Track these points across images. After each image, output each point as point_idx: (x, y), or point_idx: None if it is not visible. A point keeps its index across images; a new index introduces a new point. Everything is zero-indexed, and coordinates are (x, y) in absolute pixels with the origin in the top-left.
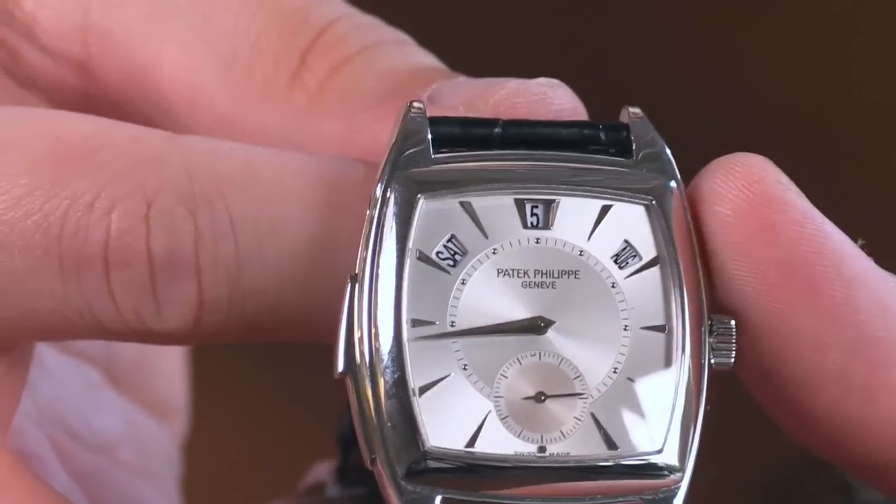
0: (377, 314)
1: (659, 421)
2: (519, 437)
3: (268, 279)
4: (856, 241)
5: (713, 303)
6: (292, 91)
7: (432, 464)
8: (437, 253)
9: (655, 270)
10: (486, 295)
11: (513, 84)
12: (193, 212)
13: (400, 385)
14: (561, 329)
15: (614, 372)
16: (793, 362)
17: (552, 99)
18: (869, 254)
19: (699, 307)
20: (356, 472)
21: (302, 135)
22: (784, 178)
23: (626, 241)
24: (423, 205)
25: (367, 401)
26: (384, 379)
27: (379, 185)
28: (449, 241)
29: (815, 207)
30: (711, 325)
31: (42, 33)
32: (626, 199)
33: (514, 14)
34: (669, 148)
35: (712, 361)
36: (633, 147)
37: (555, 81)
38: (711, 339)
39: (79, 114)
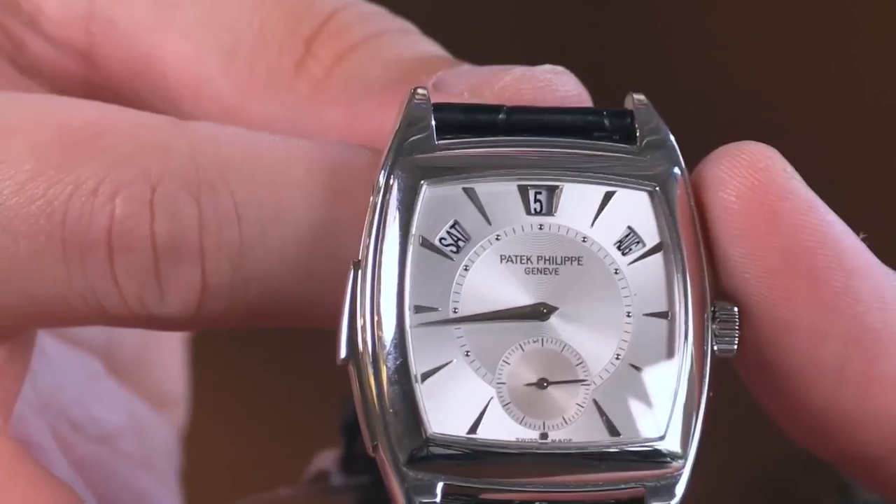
0: (380, 300)
1: (661, 407)
2: (521, 423)
3: (271, 265)
4: (857, 234)
5: (716, 290)
6: (297, 79)
7: (434, 450)
8: (441, 239)
9: (659, 257)
10: (489, 281)
11: (518, 71)
12: (197, 197)
13: (402, 371)
14: (564, 315)
15: (617, 358)
16: (790, 351)
17: (557, 86)
18: (870, 247)
19: (702, 294)
20: (360, 461)
21: (306, 123)
22: (789, 167)
23: (629, 228)
24: (426, 191)
25: (370, 387)
26: (386, 365)
27: (382, 171)
28: (452, 227)
29: (818, 197)
30: (714, 312)
31: (46, 22)
32: (629, 185)
33: (517, 11)
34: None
35: (715, 348)
36: (637, 133)
37: (559, 68)
38: (714, 326)
39: (83, 100)
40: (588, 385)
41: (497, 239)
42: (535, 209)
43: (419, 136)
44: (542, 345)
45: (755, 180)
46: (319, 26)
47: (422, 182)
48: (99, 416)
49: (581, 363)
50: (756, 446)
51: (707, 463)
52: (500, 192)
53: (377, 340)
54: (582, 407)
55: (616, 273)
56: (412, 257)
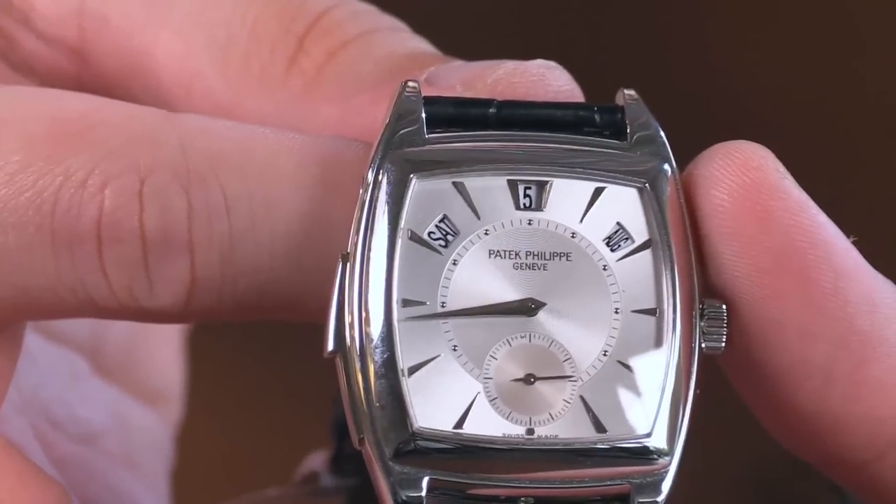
0: (368, 294)
1: (648, 405)
2: (508, 418)
3: (261, 257)
4: (848, 237)
5: (705, 287)
6: (289, 76)
7: (420, 444)
8: (429, 233)
9: (647, 253)
10: (478, 276)
11: (510, 65)
12: (187, 189)
13: (389, 365)
14: (552, 311)
15: (604, 355)
16: (778, 350)
17: (550, 80)
18: (861, 250)
19: (691, 291)
20: (350, 462)
21: (299, 119)
22: (781, 167)
23: (618, 224)
24: (415, 185)
25: (357, 381)
26: (373, 359)
27: (372, 164)
28: (441, 221)
29: (810, 198)
30: (703, 309)
31: (38, 19)
32: (619, 181)
33: (515, 11)
34: (668, 140)
35: (703, 345)
36: (628, 129)
37: (552, 63)
38: (702, 324)
39: (74, 92)
40: (575, 381)
41: (486, 233)
42: (524, 204)
43: (409, 129)
44: (530, 340)
45: (747, 179)
46: (312, 24)
47: (411, 175)
48: (82, 415)
49: (568, 359)
50: (750, 446)
51: (702, 463)
52: (490, 187)
53: (364, 334)
54: (569, 403)
55: (604, 269)
56: (401, 251)
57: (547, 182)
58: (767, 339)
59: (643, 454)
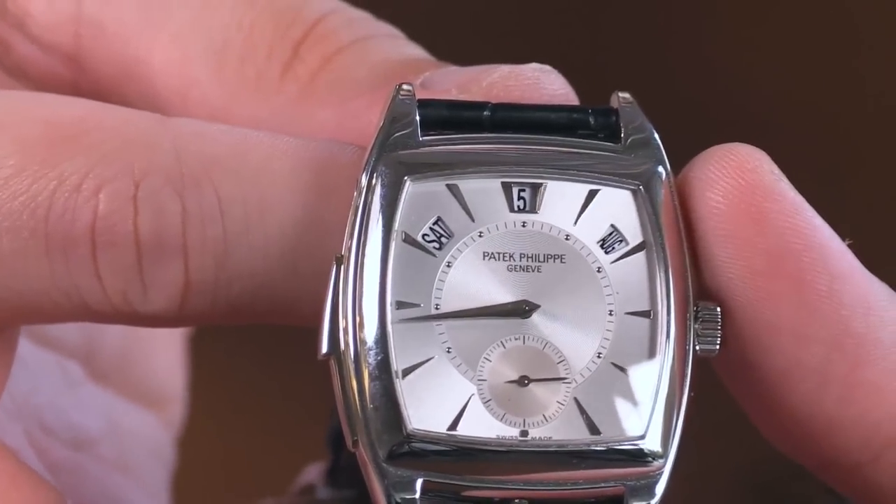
0: (362, 296)
1: (642, 407)
2: (501, 420)
3: (255, 261)
4: (843, 240)
5: (699, 289)
6: (285, 82)
7: (414, 446)
8: (423, 235)
9: (641, 256)
10: (472, 278)
11: (505, 69)
12: (181, 193)
13: (383, 367)
14: (546, 313)
15: (598, 357)
16: (773, 353)
17: (545, 84)
18: (857, 252)
19: (685, 293)
20: (346, 474)
21: (294, 124)
22: (776, 170)
23: (612, 226)
24: (409, 187)
25: (351, 383)
26: (367, 361)
27: (366, 167)
28: (435, 223)
29: (805, 201)
30: (697, 312)
31: (34, 25)
32: (613, 183)
33: (515, 11)
34: (667, 146)
35: (697, 348)
36: (622, 132)
37: (547, 67)
38: (697, 326)
39: (69, 97)
40: (569, 383)
41: (480, 236)
42: (518, 206)
43: (403, 132)
44: (524, 342)
45: (742, 182)
46: (307, 30)
47: (405, 178)
48: (75, 421)
49: (562, 361)
50: (747, 448)
51: (698, 465)
52: (484, 189)
53: (358, 336)
54: (563, 405)
55: (599, 271)
56: (395, 253)
57: (541, 184)
58: (762, 342)
59: (637, 456)
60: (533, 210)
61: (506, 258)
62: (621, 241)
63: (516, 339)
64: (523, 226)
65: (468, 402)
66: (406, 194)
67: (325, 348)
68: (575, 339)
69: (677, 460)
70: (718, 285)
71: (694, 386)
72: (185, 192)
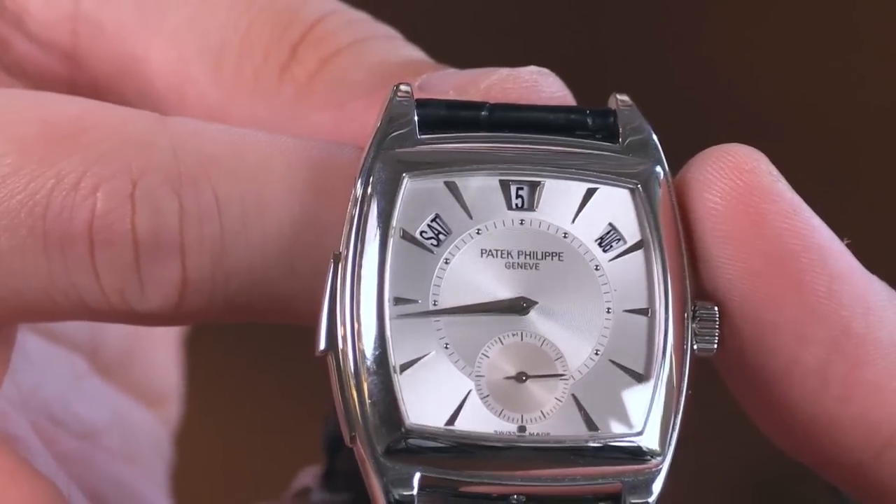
0: (360, 291)
1: (640, 404)
2: (499, 416)
3: (252, 259)
4: (842, 240)
5: (697, 289)
6: (282, 83)
7: (412, 441)
8: (422, 232)
9: (639, 254)
10: (470, 275)
11: (504, 72)
12: (179, 192)
13: (381, 362)
14: (543, 310)
15: (596, 354)
16: (773, 353)
17: (543, 87)
18: (857, 251)
19: (683, 292)
20: (342, 478)
21: (292, 125)
22: (774, 171)
23: (610, 225)
24: (407, 184)
25: (348, 378)
26: (365, 356)
27: (363, 165)
28: (433, 220)
29: (803, 202)
30: (695, 311)
31: (31, 22)
32: (611, 182)
33: (511, 15)
34: (667, 146)
35: (695, 347)
36: (620, 132)
37: (545, 70)
38: (694, 325)
39: (67, 95)
40: (567, 380)
41: (478, 233)
42: (516, 204)
43: (401, 131)
44: (522, 339)
45: (740, 182)
46: (305, 32)
47: (403, 175)
48: (81, 413)
49: (560, 358)
50: (749, 447)
51: (700, 463)
52: (482, 187)
53: (356, 331)
54: (560, 401)
55: (596, 269)
56: (393, 250)
57: (539, 182)
58: (761, 342)
59: (635, 453)
60: (531, 208)
61: (504, 255)
62: (619, 239)
63: (514, 335)
64: (521, 223)
65: (466, 397)
66: (404, 191)
67: (322, 344)
68: (573, 336)
69: (676, 458)
70: (717, 286)
71: (692, 384)
72: (183, 191)
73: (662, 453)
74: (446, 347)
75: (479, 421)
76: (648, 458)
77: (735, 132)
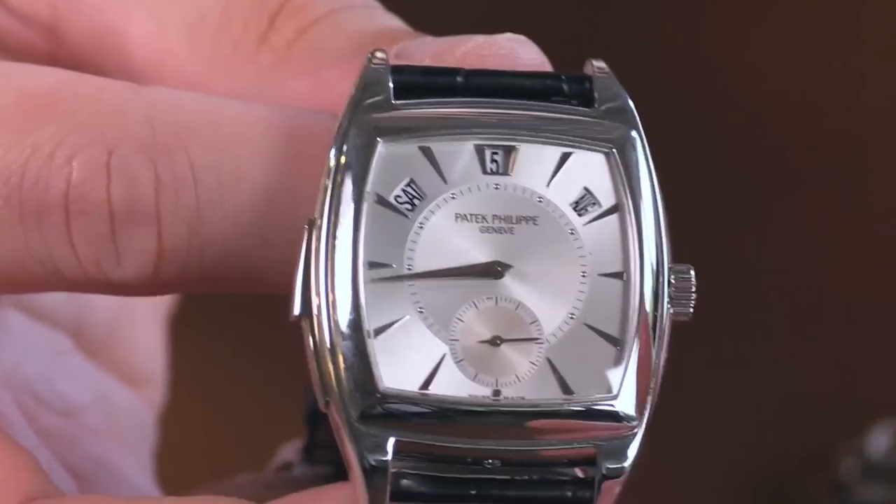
0: (334, 256)
1: (615, 367)
2: (474, 380)
3: (227, 228)
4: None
5: (673, 252)
6: (260, 52)
7: (387, 406)
8: (396, 197)
9: (615, 218)
10: (444, 239)
11: (479, 39)
12: (154, 161)
13: (355, 327)
14: (518, 274)
15: (571, 318)
16: None
17: (520, 54)
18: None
19: (658, 256)
20: (323, 450)
21: (269, 94)
22: None
23: (585, 189)
24: (381, 149)
25: (323, 343)
26: (339, 321)
27: (338, 131)
28: (407, 185)
29: None
30: (671, 274)
31: None
32: (586, 146)
33: (512, 15)
34: (667, 146)
35: (671, 311)
36: (596, 98)
37: (522, 37)
38: (670, 289)
39: (43, 66)
40: (542, 343)
41: (453, 197)
42: (491, 169)
43: (376, 97)
44: (497, 303)
45: None
46: (283, 2)
47: (377, 140)
48: (65, 391)
49: (535, 322)
50: (751, 446)
51: (701, 463)
52: (457, 152)
53: (330, 296)
54: (535, 365)
55: (571, 233)
56: (367, 214)
57: (514, 147)
58: None
59: (610, 416)
60: (506, 172)
61: (478, 219)
62: (594, 203)
63: (489, 299)
64: (496, 188)
65: (440, 361)
66: (378, 156)
67: (297, 309)
68: (547, 300)
69: (686, 469)
70: None
71: (669, 349)
72: (158, 160)
73: (638, 417)
74: (421, 311)
75: (454, 385)
76: (624, 421)
77: (736, 132)
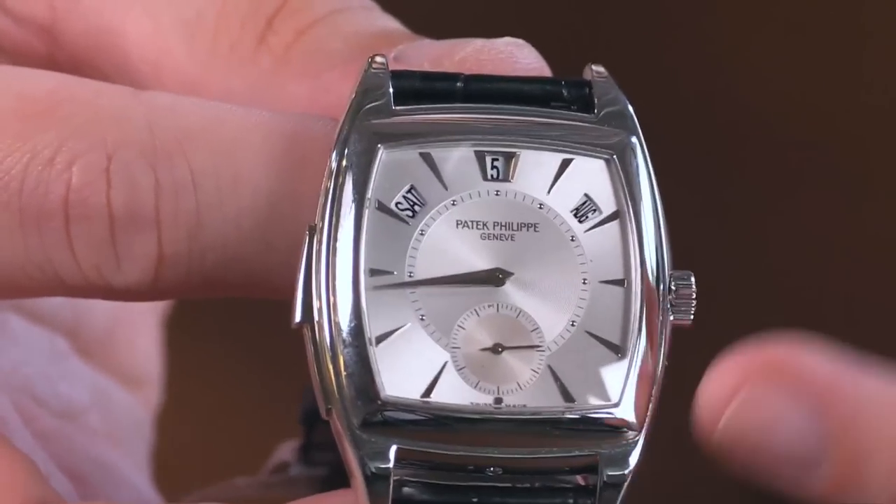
0: (335, 263)
1: (616, 375)
2: (475, 388)
3: (228, 233)
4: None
5: (674, 259)
6: (258, 54)
7: (388, 414)
8: (397, 203)
9: (615, 224)
10: (445, 246)
11: (478, 42)
12: (154, 165)
13: (356, 334)
14: (519, 281)
15: (572, 325)
16: None
17: (518, 58)
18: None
19: (659, 263)
20: (320, 451)
21: (268, 97)
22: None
23: (585, 195)
24: (382, 155)
25: (324, 350)
26: (341, 328)
27: (338, 136)
28: (408, 191)
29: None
30: (671, 281)
31: None
32: (586, 153)
33: (512, 15)
34: (668, 146)
35: (671, 317)
36: (595, 103)
37: (520, 41)
38: (671, 296)
39: (42, 70)
40: (543, 351)
41: (453, 204)
42: (491, 175)
43: (376, 102)
44: (498, 310)
45: None
46: (281, 3)
47: (378, 146)
48: (63, 392)
49: (536, 329)
50: None
51: (701, 465)
52: (457, 158)
53: (332, 303)
54: (536, 373)
55: (572, 240)
56: (368, 221)
57: (514, 153)
58: None
59: (611, 424)
60: (506, 179)
61: (479, 226)
62: (595, 210)
63: (490, 306)
64: (497, 194)
65: (442, 369)
66: (379, 163)
67: (298, 317)
68: (548, 307)
69: (686, 470)
70: None
71: (669, 355)
72: (158, 165)
73: (639, 425)
74: (422, 319)
75: (456, 393)
76: (625, 429)
77: (736, 132)
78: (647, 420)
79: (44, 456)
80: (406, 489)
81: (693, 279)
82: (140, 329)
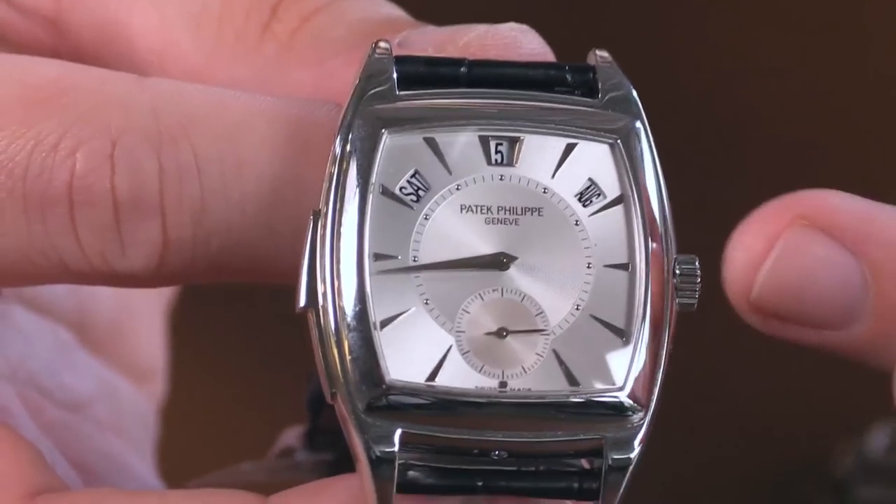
0: (340, 248)
1: (621, 359)
2: (480, 371)
3: (232, 218)
4: None
5: (678, 243)
6: (263, 42)
7: (393, 398)
8: (401, 188)
9: (619, 209)
10: (449, 230)
11: (482, 28)
12: (158, 151)
13: (361, 318)
14: (523, 265)
15: (577, 309)
16: None
17: (522, 43)
18: None
19: (663, 247)
20: (325, 436)
21: (273, 84)
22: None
23: (590, 180)
24: (386, 140)
25: (329, 335)
26: (345, 312)
27: (343, 121)
28: (413, 176)
29: None
30: (676, 265)
31: None
32: (590, 137)
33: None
34: (671, 144)
35: (676, 301)
36: (600, 88)
37: (524, 27)
38: (675, 280)
39: (46, 58)
40: (548, 335)
41: (458, 189)
42: (496, 160)
43: (380, 87)
44: (502, 294)
45: None
46: None
47: (382, 131)
48: (69, 384)
49: (541, 313)
50: (751, 448)
51: (701, 465)
52: (462, 143)
53: (336, 288)
54: (541, 356)
55: (576, 224)
56: (372, 206)
57: (518, 138)
58: None
59: (616, 408)
60: (511, 163)
61: (483, 211)
62: (599, 194)
63: (494, 291)
64: (501, 179)
65: (447, 353)
66: (383, 147)
67: (303, 301)
68: (553, 291)
69: (685, 472)
70: None
71: (673, 340)
72: (162, 151)
73: (644, 409)
74: (426, 303)
75: (460, 377)
76: (630, 413)
77: (736, 132)
78: (652, 404)
79: (49, 447)
80: (411, 473)
81: (697, 262)
82: (144, 320)
